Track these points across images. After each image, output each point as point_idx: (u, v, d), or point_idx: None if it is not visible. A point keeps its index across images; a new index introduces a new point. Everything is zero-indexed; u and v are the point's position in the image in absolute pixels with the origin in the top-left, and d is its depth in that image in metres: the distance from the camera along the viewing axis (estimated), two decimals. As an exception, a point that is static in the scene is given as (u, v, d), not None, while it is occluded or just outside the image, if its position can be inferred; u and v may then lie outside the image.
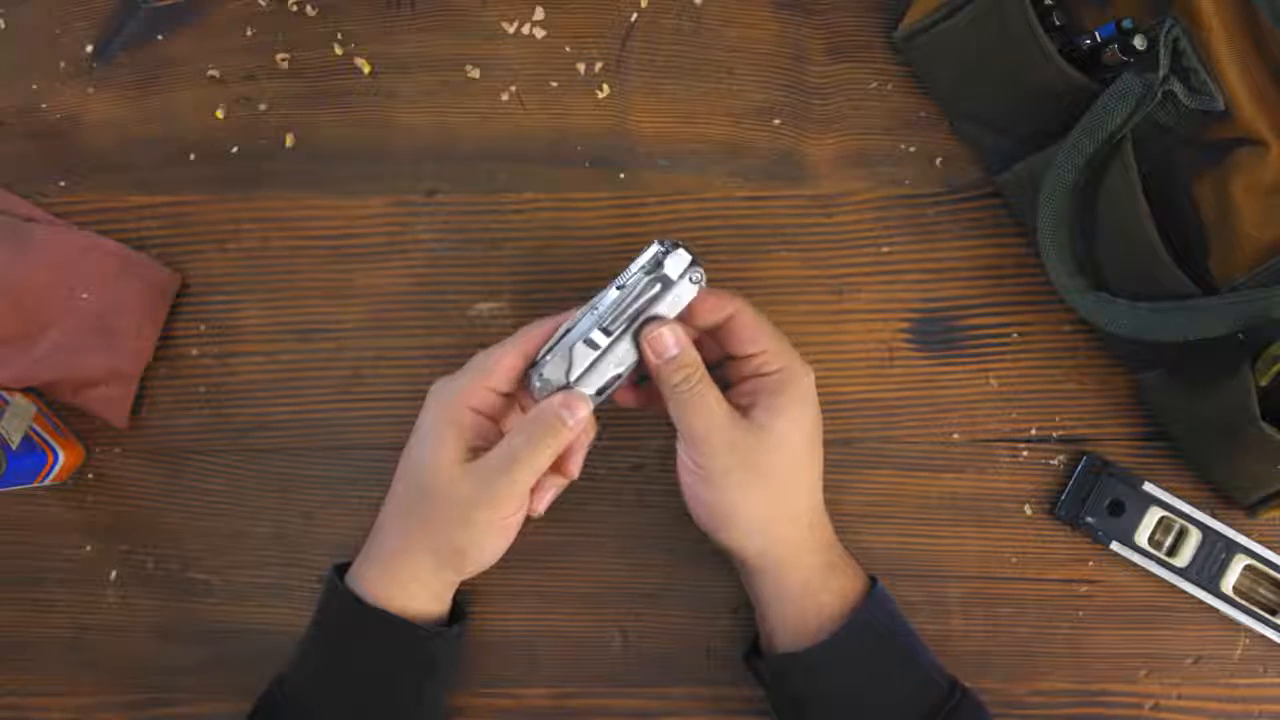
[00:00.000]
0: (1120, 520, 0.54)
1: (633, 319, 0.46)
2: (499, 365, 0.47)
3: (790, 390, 0.47)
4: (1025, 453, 0.55)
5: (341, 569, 0.51)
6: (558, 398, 0.46)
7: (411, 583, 0.49)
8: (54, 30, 0.56)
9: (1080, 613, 0.55)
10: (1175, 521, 0.54)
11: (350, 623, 0.49)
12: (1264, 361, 0.46)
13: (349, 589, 0.49)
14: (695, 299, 0.46)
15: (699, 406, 0.46)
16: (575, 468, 0.49)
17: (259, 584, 0.55)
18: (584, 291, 0.55)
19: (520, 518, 0.48)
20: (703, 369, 0.47)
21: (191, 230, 0.56)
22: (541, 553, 0.55)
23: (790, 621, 0.49)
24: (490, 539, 0.47)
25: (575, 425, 0.46)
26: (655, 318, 0.46)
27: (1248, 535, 0.54)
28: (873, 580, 0.50)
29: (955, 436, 0.55)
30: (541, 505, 0.49)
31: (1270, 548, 0.54)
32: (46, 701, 0.55)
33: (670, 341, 0.46)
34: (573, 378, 0.46)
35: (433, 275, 0.56)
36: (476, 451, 0.47)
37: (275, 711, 0.50)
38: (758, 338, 0.47)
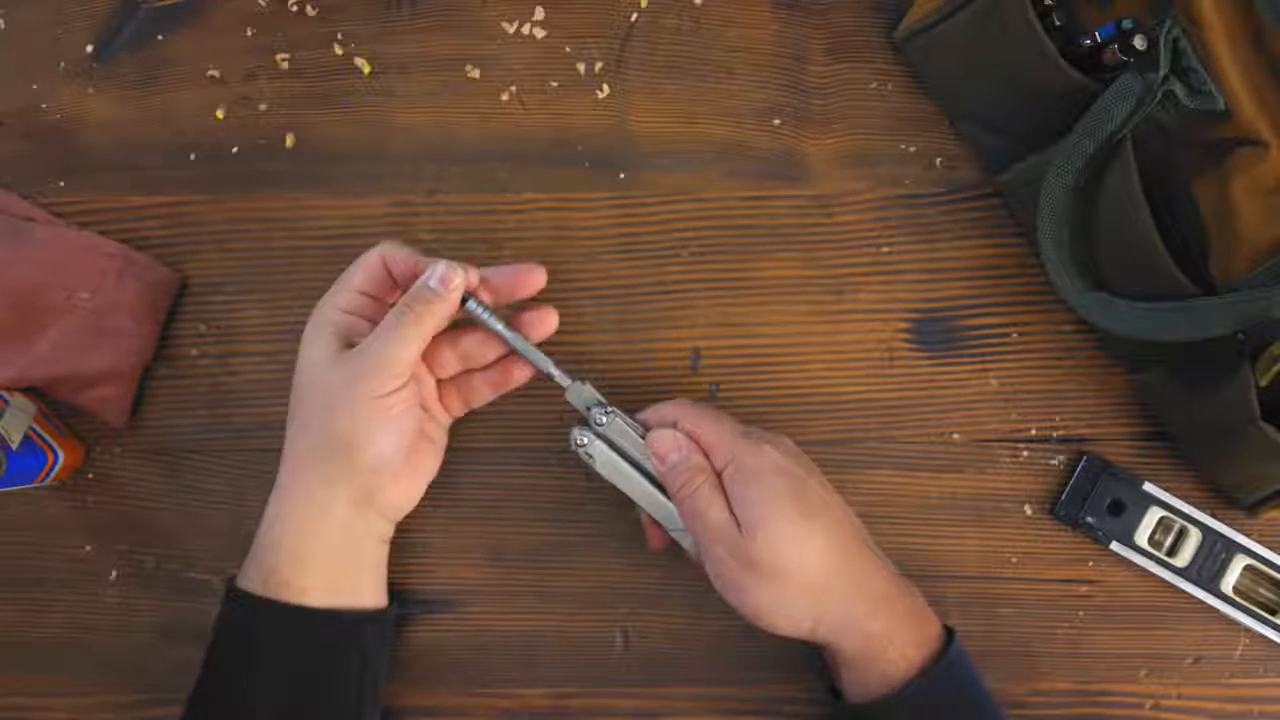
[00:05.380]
0: (1120, 520, 0.54)
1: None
2: (359, 266, 0.48)
3: (745, 477, 0.47)
4: (1025, 453, 0.55)
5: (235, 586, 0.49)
6: (438, 268, 0.46)
7: (303, 530, 0.47)
8: (54, 30, 0.56)
9: (1080, 613, 0.55)
10: (1175, 521, 0.54)
11: (253, 627, 0.47)
12: (1264, 361, 0.46)
13: (242, 589, 0.47)
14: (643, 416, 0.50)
15: (699, 513, 0.47)
16: (521, 373, 0.51)
17: (259, 584, 0.55)
18: (584, 292, 0.55)
19: (407, 405, 0.47)
20: (706, 475, 0.47)
21: (191, 230, 0.56)
22: (541, 553, 0.55)
23: (854, 685, 0.48)
24: (376, 425, 0.46)
25: (449, 293, 0.46)
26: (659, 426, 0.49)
27: (1248, 535, 0.54)
28: (949, 639, 0.48)
29: (955, 436, 0.55)
30: (457, 406, 0.51)
31: (1270, 548, 0.54)
32: (46, 701, 0.55)
33: (669, 446, 0.48)
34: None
35: (433, 275, 0.56)
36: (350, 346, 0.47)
37: None
38: (701, 437, 0.48)
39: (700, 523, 0.47)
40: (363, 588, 0.50)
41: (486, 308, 0.48)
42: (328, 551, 0.48)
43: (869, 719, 0.47)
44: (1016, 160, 0.52)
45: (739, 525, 0.46)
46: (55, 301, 0.54)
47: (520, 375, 0.51)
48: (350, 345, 0.47)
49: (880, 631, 0.47)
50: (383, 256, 0.48)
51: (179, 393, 0.56)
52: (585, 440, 0.49)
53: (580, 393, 0.49)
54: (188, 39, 0.56)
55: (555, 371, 0.49)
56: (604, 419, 0.49)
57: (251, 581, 0.47)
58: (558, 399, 0.53)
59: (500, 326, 0.48)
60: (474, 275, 0.48)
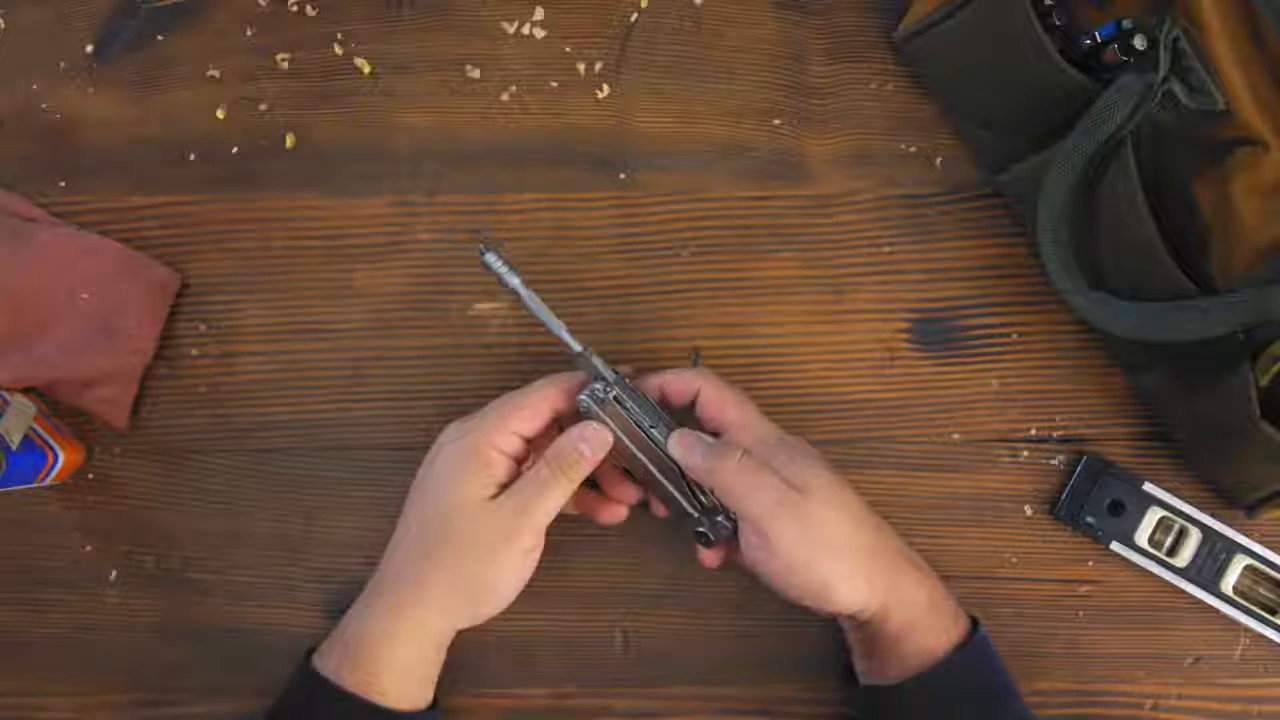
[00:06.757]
0: (1120, 520, 0.54)
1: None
2: (521, 409, 0.48)
3: (780, 449, 0.47)
4: (1025, 453, 0.55)
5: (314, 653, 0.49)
6: (575, 429, 0.47)
7: (405, 643, 0.47)
8: (54, 30, 0.56)
9: (1080, 613, 0.55)
10: (1175, 521, 0.54)
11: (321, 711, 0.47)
12: (1264, 361, 0.46)
13: (324, 678, 0.47)
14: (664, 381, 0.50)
15: (755, 482, 0.46)
16: (615, 514, 0.52)
17: (259, 584, 0.55)
18: (584, 292, 0.55)
19: (539, 552, 0.48)
20: (744, 449, 0.47)
21: (191, 230, 0.56)
22: (542, 552, 0.55)
23: (890, 661, 0.48)
24: (514, 572, 0.48)
25: (593, 455, 0.47)
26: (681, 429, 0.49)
27: (1248, 535, 0.54)
28: (974, 625, 0.49)
29: (955, 436, 0.55)
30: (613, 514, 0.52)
31: (1270, 548, 0.54)
32: (46, 701, 0.55)
33: (693, 439, 0.47)
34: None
35: (433, 275, 0.56)
36: (500, 489, 0.47)
37: None
38: (724, 410, 0.48)
39: (758, 489, 0.46)
40: (432, 689, 0.50)
41: (508, 264, 0.48)
42: (425, 664, 0.49)
43: (910, 695, 0.47)
44: (1016, 160, 0.52)
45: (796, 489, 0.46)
46: (56, 302, 0.54)
47: (615, 516, 0.52)
48: (499, 487, 0.47)
49: (925, 601, 0.47)
50: (551, 403, 0.48)
51: (179, 393, 0.56)
52: (592, 407, 0.48)
53: (589, 361, 0.49)
54: (188, 39, 0.56)
55: (566, 336, 0.48)
56: (607, 393, 0.48)
57: (329, 664, 0.47)
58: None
59: (518, 283, 0.48)
60: (628, 369, 0.50)
